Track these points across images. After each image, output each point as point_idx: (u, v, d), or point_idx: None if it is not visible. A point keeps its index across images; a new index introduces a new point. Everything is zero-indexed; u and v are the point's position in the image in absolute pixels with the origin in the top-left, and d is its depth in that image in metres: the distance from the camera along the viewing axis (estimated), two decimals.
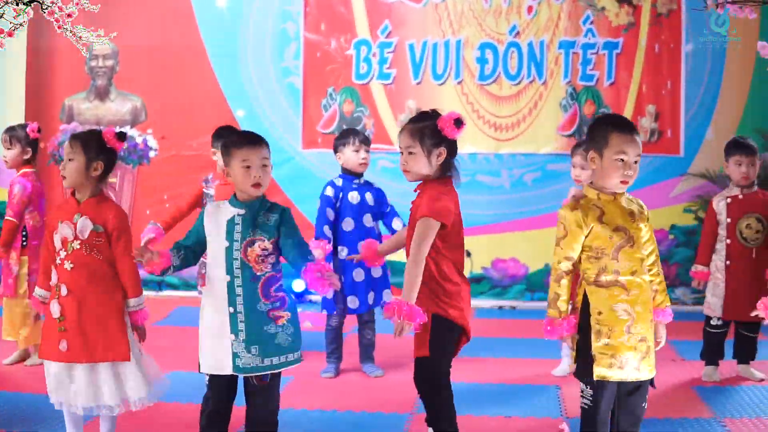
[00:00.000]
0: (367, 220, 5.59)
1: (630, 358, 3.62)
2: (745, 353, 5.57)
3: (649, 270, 3.73)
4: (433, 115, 3.99)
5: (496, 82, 8.18)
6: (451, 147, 3.98)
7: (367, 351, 5.71)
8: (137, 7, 8.28)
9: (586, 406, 3.69)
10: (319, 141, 8.26)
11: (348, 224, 5.59)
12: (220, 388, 3.79)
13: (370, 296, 5.57)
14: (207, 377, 3.81)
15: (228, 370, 3.73)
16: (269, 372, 3.73)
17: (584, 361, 3.66)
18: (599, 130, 3.72)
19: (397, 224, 5.56)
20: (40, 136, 5.80)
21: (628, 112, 8.00)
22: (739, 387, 5.34)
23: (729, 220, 5.47)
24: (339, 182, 5.66)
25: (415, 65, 8.21)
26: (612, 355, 3.60)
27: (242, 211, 3.76)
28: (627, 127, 3.71)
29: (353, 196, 5.60)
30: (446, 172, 4.01)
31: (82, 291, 3.93)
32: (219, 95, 8.33)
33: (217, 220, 3.79)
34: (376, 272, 5.56)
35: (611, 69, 8.06)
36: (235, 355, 3.71)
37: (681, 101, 7.99)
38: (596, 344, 3.61)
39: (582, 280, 3.70)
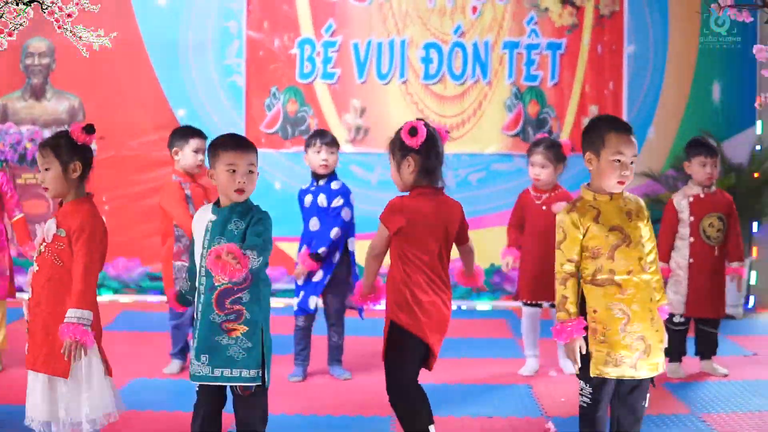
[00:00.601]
0: (313, 223, 5.51)
1: (625, 357, 3.65)
2: (707, 349, 5.67)
3: (649, 268, 3.75)
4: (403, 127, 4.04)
5: (440, 82, 8.17)
6: (423, 156, 3.99)
7: (333, 354, 5.64)
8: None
9: (585, 405, 3.72)
10: (262, 141, 8.11)
11: (304, 227, 5.58)
12: (208, 396, 3.72)
13: (302, 297, 5.49)
14: (197, 384, 3.73)
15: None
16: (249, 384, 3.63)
17: (583, 358, 3.68)
18: (596, 132, 3.75)
19: (333, 233, 5.44)
20: None
21: (571, 112, 8.09)
22: (705, 383, 5.44)
23: (692, 218, 5.57)
24: (305, 185, 5.61)
25: (359, 64, 8.15)
26: (608, 352, 3.64)
27: (214, 218, 3.70)
28: (623, 128, 3.75)
29: (307, 200, 5.56)
30: (428, 180, 4.02)
31: (38, 296, 3.78)
32: (159, 94, 8.12)
33: (199, 227, 3.75)
34: (317, 277, 5.47)
35: (555, 69, 8.12)
36: (192, 363, 3.67)
37: (623, 101, 8.09)
38: (592, 342, 3.65)
39: (579, 279, 3.72)
